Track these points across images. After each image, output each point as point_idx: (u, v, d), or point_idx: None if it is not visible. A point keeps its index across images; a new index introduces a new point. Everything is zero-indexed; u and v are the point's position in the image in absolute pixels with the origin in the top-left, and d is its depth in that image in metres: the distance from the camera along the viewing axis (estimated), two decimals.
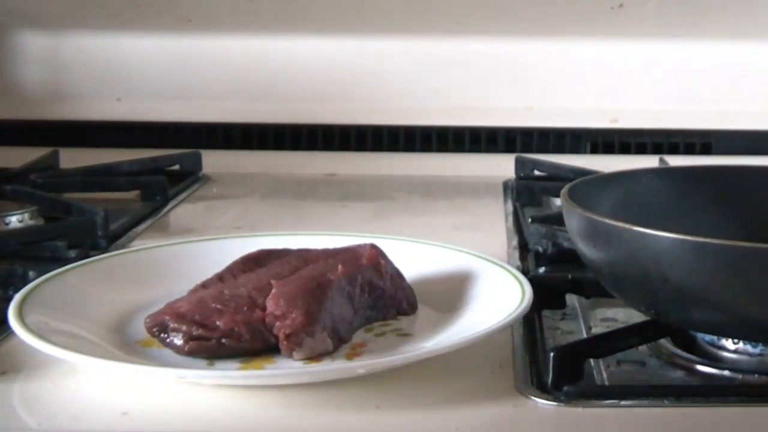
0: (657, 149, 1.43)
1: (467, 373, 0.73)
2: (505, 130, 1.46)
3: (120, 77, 1.50)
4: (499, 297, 0.78)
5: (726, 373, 0.73)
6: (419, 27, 1.47)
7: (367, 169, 1.39)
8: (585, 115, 1.46)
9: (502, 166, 1.33)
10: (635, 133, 1.45)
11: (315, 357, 0.72)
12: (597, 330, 0.81)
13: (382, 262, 0.80)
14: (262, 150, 1.48)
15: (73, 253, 0.96)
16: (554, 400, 0.69)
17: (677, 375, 0.74)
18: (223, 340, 0.72)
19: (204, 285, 0.79)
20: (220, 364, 0.72)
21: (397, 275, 0.82)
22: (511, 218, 1.13)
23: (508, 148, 1.44)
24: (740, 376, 0.73)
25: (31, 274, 0.87)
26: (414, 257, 0.86)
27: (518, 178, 1.27)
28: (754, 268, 0.67)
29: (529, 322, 0.81)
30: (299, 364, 0.72)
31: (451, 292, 0.82)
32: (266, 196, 1.27)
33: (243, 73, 1.50)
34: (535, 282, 0.80)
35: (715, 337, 0.75)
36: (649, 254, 0.70)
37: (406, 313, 0.81)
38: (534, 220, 1.00)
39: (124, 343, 0.75)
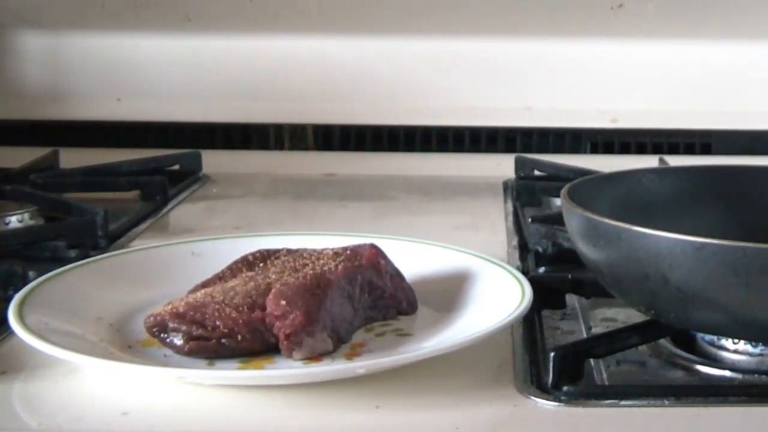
0: (657, 149, 1.43)
1: (467, 373, 0.73)
2: (505, 130, 1.46)
3: (120, 77, 1.50)
4: (499, 297, 0.78)
5: (726, 373, 0.73)
6: (419, 27, 1.47)
7: (367, 169, 1.39)
8: (585, 115, 1.46)
9: (502, 166, 1.33)
10: (635, 133, 1.45)
11: (315, 357, 0.72)
12: (597, 330, 0.81)
13: (382, 262, 0.80)
14: (262, 150, 1.48)
15: (73, 253, 0.96)
16: (554, 400, 0.69)
17: (677, 375, 0.74)
18: (223, 340, 0.72)
19: (204, 285, 0.79)
20: (220, 364, 0.72)
21: (397, 275, 0.82)
22: (511, 218, 1.13)
23: (508, 148, 1.44)
24: (740, 376, 0.73)
25: (31, 274, 0.87)
26: (414, 257, 0.86)
27: (518, 178, 1.27)
28: (754, 268, 0.67)
29: (529, 322, 0.81)
30: (299, 364, 0.72)
31: (451, 292, 0.82)
32: (266, 196, 1.27)
33: (243, 73, 1.50)
34: (535, 282, 0.80)
35: (715, 337, 0.75)
36: (649, 254, 0.70)
37: (406, 313, 0.81)
38: (534, 220, 1.00)
39: (124, 343, 0.75)
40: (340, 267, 0.77)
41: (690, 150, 1.44)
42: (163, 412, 0.67)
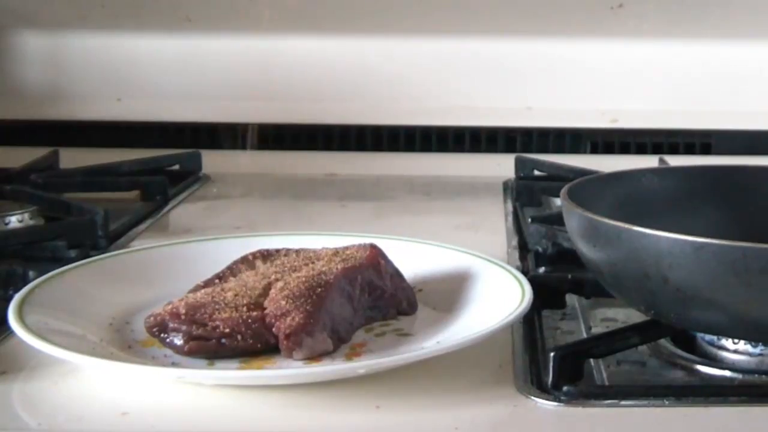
0: (657, 149, 1.43)
1: (467, 373, 0.73)
2: (505, 130, 1.46)
3: (120, 77, 1.50)
4: (499, 297, 0.78)
5: (726, 373, 0.73)
6: (419, 27, 1.47)
7: (367, 169, 1.39)
8: (585, 115, 1.46)
9: (502, 166, 1.33)
10: (635, 133, 1.45)
11: (315, 357, 0.72)
12: (597, 330, 0.81)
13: (382, 262, 0.80)
14: (262, 150, 1.48)
15: (73, 253, 0.96)
16: (554, 400, 0.69)
17: (677, 375, 0.74)
18: (223, 340, 0.72)
19: (204, 285, 0.79)
20: (220, 364, 0.72)
21: (397, 275, 0.81)
22: (511, 218, 1.13)
23: (508, 148, 1.44)
24: (740, 376, 0.73)
25: (31, 274, 0.87)
26: (414, 257, 0.86)
27: (518, 178, 1.27)
28: (754, 268, 0.67)
29: (529, 322, 0.81)
30: (299, 364, 0.72)
31: (451, 292, 0.82)
32: (266, 196, 1.27)
33: (243, 73, 1.50)
34: (535, 282, 0.80)
35: (715, 337, 0.75)
36: (649, 254, 0.70)
37: (406, 313, 0.81)
38: (534, 220, 1.00)
39: (124, 343, 0.75)
40: (340, 267, 0.77)
41: (690, 150, 1.44)
42: (163, 412, 0.67)
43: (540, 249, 0.95)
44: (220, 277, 0.80)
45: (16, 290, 0.79)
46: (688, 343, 0.77)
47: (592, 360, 0.74)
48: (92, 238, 1.01)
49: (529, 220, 1.00)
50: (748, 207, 0.90)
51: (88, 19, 1.49)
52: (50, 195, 1.14)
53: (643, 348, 0.77)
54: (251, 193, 1.28)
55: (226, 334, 0.72)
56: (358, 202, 1.23)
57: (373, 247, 0.81)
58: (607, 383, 0.72)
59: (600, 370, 0.74)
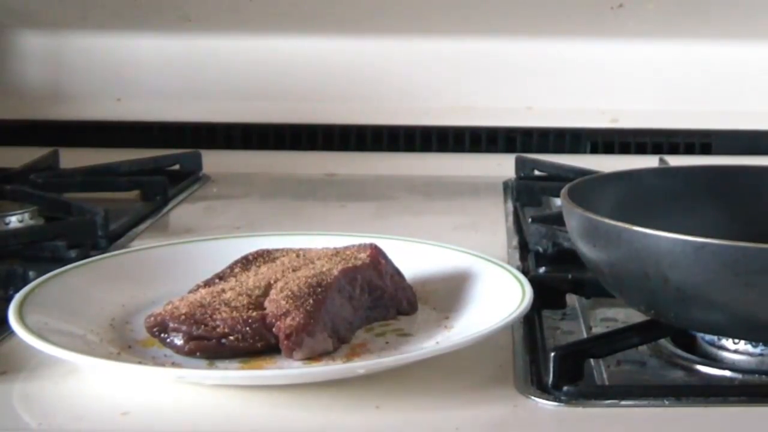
0: (657, 149, 1.43)
1: (467, 373, 0.73)
2: (505, 130, 1.46)
3: (120, 77, 1.50)
4: (499, 297, 0.78)
5: (726, 373, 0.73)
6: (419, 27, 1.47)
7: (367, 169, 1.39)
8: (585, 115, 1.46)
9: (502, 166, 1.33)
10: (635, 133, 1.45)
11: (315, 357, 0.72)
12: (597, 330, 0.81)
13: (382, 262, 0.80)
14: (262, 150, 1.48)
15: (73, 253, 0.96)
16: (554, 400, 0.69)
17: (677, 375, 0.74)
18: (223, 340, 0.72)
19: (204, 285, 0.79)
20: (220, 364, 0.72)
21: (397, 275, 0.82)
22: (511, 218, 1.13)
23: (508, 148, 1.44)
24: (740, 376, 0.73)
25: (31, 274, 0.87)
26: (414, 257, 0.86)
27: (518, 178, 1.27)
28: (754, 268, 0.67)
29: (529, 322, 0.81)
30: (299, 364, 0.72)
31: (451, 292, 0.82)
32: (266, 196, 1.27)
33: (243, 73, 1.50)
34: (535, 282, 0.80)
35: (715, 337, 0.75)
36: (649, 254, 0.70)
37: (406, 313, 0.81)
38: (534, 220, 1.00)
39: (124, 343, 0.75)
40: (340, 267, 0.77)
41: (690, 150, 1.44)
42: (163, 412, 0.67)
43: (540, 249, 0.95)
44: (220, 277, 0.80)
45: (16, 290, 0.79)
46: (688, 343, 0.77)
47: (592, 360, 0.74)
48: (92, 238, 1.01)
49: (529, 220, 1.00)
50: (748, 207, 0.90)
51: (88, 19, 1.49)
52: (50, 195, 1.14)
53: (643, 348, 0.77)
54: (251, 193, 1.28)
55: (226, 334, 0.72)
56: (358, 202, 1.23)
57: (373, 247, 0.81)
58: (607, 383, 0.72)
59: (600, 370, 0.74)
